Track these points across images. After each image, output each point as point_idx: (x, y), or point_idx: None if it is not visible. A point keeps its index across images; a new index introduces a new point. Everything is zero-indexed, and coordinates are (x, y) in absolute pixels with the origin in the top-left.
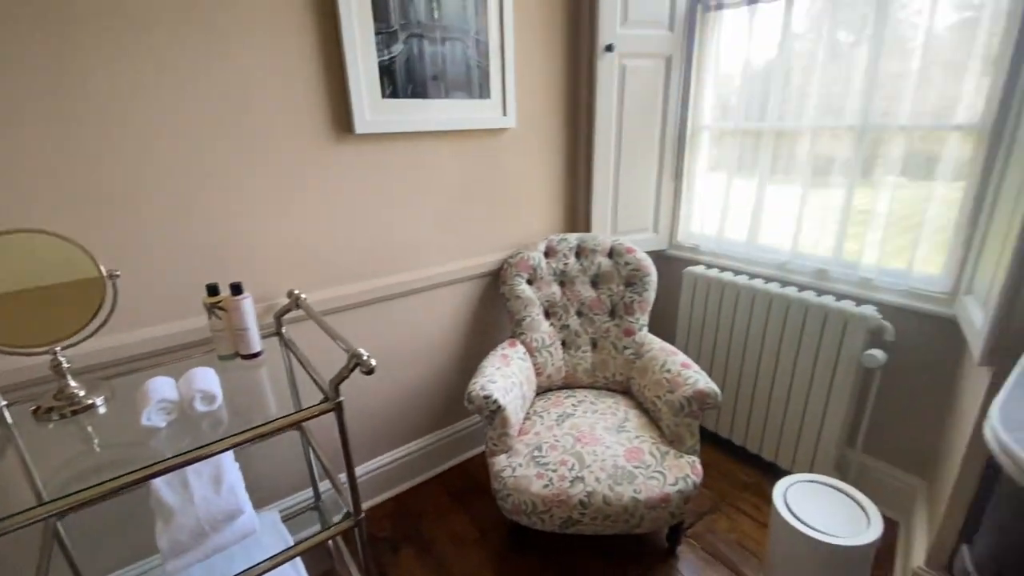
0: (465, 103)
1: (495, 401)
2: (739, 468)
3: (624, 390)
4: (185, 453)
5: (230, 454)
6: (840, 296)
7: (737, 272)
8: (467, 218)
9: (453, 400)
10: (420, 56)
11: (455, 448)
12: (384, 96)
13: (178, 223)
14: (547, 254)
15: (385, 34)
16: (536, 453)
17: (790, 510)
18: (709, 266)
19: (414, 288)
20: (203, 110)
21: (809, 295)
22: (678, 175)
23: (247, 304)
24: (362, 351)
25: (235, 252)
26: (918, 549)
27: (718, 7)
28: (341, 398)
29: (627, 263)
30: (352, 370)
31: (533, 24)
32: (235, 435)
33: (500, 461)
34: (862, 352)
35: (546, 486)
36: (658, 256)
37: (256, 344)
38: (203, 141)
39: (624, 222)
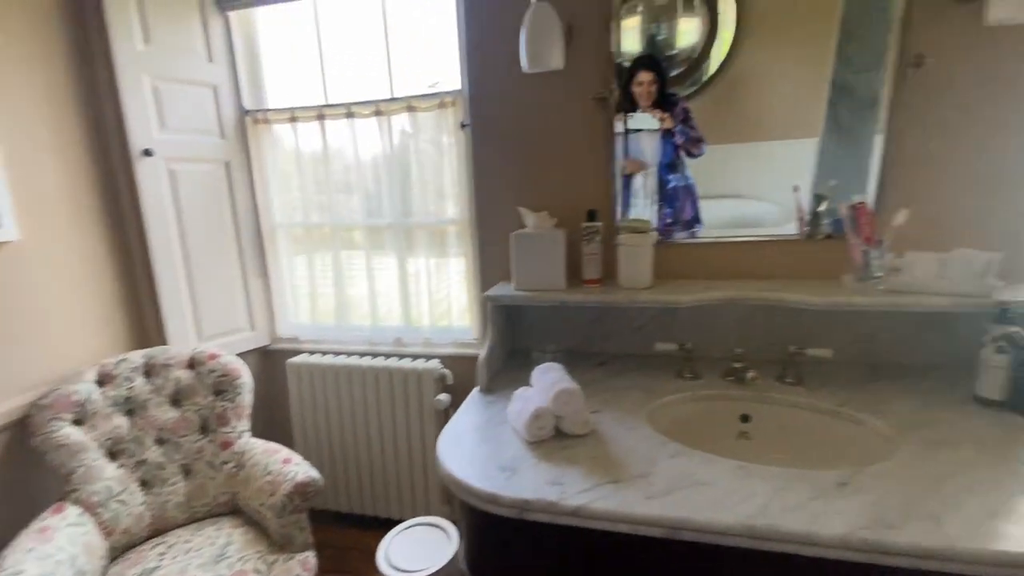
0: None
1: None
2: (372, 538)
3: (232, 510)
4: None
5: None
6: (414, 356)
7: (336, 353)
8: None
9: None
10: None
11: None
12: None
13: None
14: (102, 382)
15: None
16: None
17: (390, 563)
18: (312, 352)
19: None
20: None
21: (392, 361)
22: (264, 272)
23: None
24: None
25: None
26: None
27: (265, 121)
28: None
29: (212, 371)
30: None
31: (31, 123)
32: None
33: None
34: (434, 399)
35: None
36: (263, 353)
37: None
38: None
39: (212, 327)
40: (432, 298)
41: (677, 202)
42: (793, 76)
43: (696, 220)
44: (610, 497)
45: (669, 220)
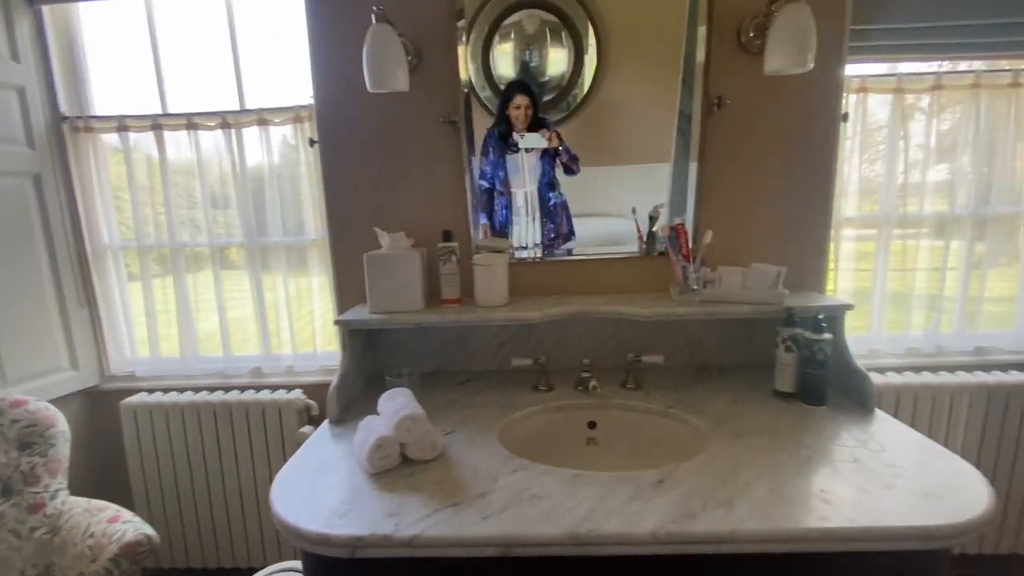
0: None
1: None
2: None
3: None
4: None
5: None
6: (275, 388)
7: (182, 390)
8: None
9: None
10: None
11: None
12: None
13: None
14: None
15: None
16: None
17: None
18: (152, 391)
19: None
20: None
21: (249, 394)
22: (90, 301)
23: None
24: None
25: None
26: None
27: (88, 129)
28: None
29: (15, 421)
30: None
31: None
32: None
33: None
34: (297, 432)
35: None
36: (89, 395)
37: None
38: None
39: (19, 369)
40: (294, 323)
41: (557, 218)
42: (650, 105)
43: (571, 233)
44: (448, 522)
45: (552, 235)
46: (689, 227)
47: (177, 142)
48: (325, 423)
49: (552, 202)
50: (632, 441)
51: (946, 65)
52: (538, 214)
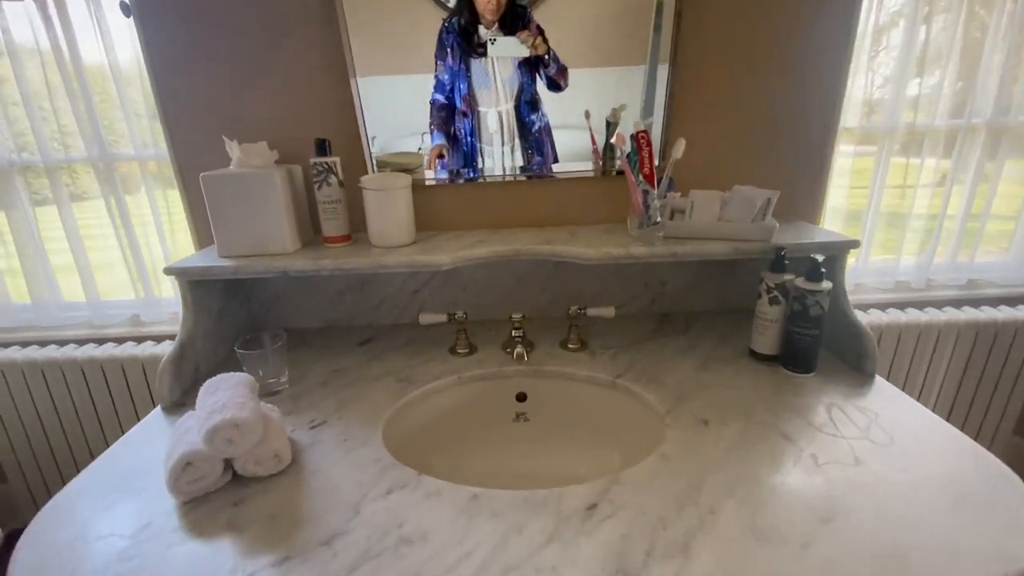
0: None
1: None
2: None
3: None
4: None
5: None
6: (160, 339)
7: (43, 343)
8: None
9: None
10: None
11: None
12: None
13: None
14: None
15: None
16: None
17: None
18: (4, 345)
19: None
20: None
21: (127, 347)
22: None
23: None
24: None
25: None
26: None
27: None
28: None
29: None
30: None
31: None
32: None
33: None
34: None
35: None
36: None
37: None
38: None
39: None
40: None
41: (544, 147)
42: None
43: (555, 159)
44: None
45: (537, 168)
46: (656, 137)
47: None
48: (156, 411)
49: (535, 126)
50: (570, 420)
51: None
52: (517, 142)
